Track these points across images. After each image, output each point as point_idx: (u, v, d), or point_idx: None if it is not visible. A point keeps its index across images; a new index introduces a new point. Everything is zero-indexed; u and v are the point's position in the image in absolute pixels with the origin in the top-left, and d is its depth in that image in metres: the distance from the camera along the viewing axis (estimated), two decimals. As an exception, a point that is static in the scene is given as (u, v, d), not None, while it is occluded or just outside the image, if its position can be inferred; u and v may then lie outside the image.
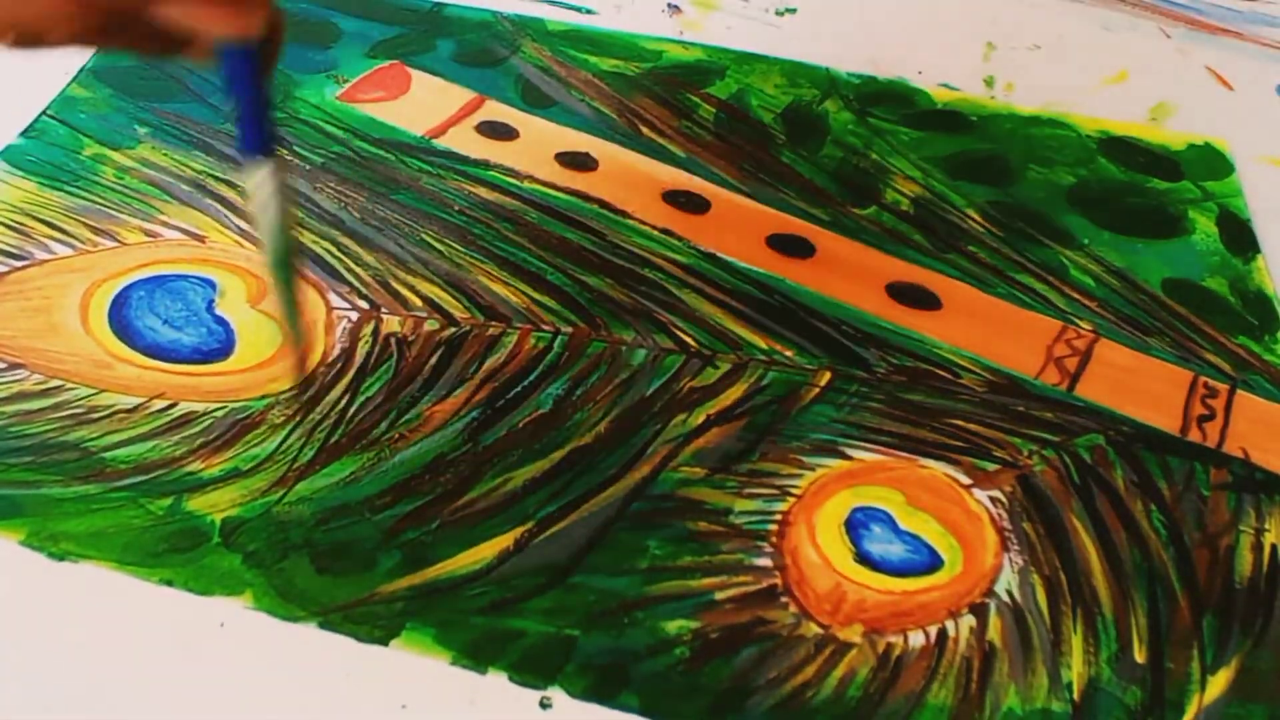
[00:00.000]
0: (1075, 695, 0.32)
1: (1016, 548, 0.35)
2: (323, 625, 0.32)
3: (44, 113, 0.47)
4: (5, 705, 0.31)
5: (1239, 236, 0.46)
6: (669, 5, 0.56)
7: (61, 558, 0.33)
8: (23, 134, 0.46)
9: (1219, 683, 0.33)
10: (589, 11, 0.55)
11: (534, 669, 0.32)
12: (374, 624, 0.32)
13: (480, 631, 0.32)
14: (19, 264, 0.41)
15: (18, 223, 0.42)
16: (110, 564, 0.33)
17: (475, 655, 0.32)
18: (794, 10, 0.56)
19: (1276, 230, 0.46)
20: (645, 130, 0.49)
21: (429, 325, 0.40)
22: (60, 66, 0.49)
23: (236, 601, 0.32)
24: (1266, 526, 0.36)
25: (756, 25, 0.55)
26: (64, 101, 0.47)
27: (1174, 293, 0.44)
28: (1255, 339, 0.42)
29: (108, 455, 0.36)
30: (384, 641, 0.32)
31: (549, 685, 0.31)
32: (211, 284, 0.41)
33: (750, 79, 0.52)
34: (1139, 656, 0.33)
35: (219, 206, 0.43)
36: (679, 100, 0.50)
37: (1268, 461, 0.38)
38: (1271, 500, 0.37)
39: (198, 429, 0.37)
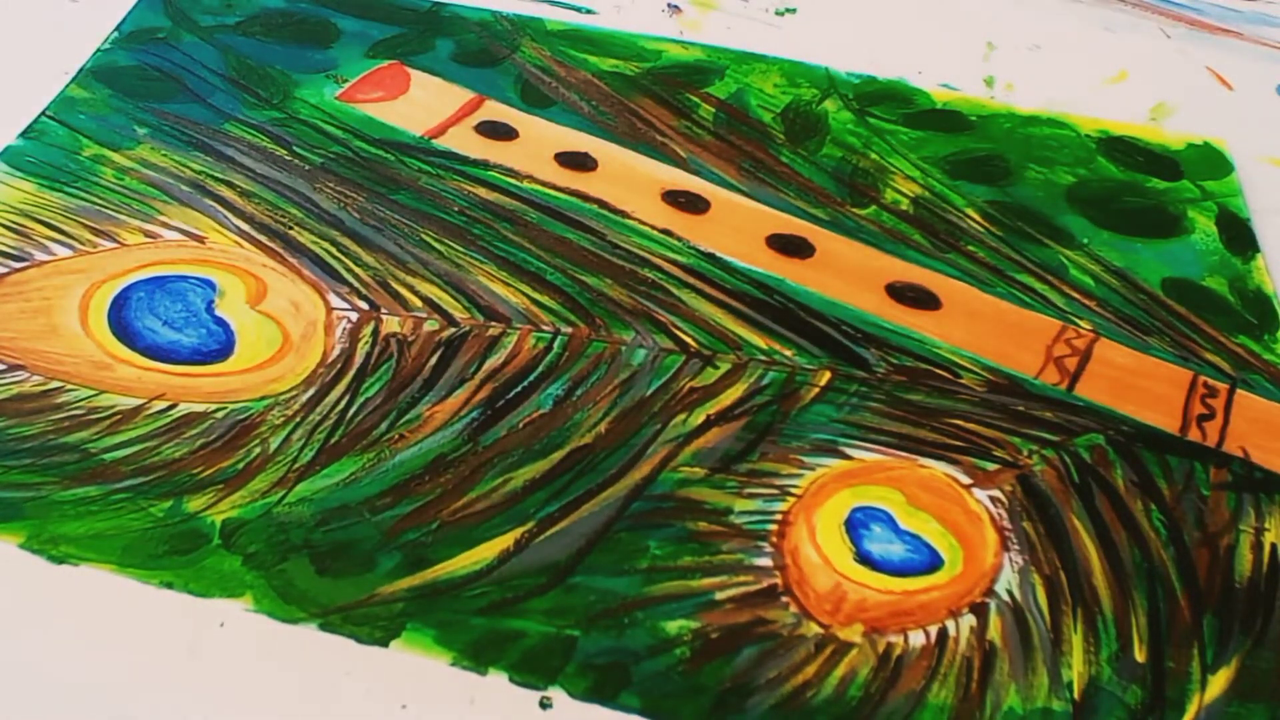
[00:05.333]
0: (1076, 694, 0.32)
1: (1016, 547, 0.35)
2: (323, 627, 0.32)
3: (43, 113, 0.47)
4: (6, 708, 0.30)
5: (1238, 236, 0.46)
6: (669, 5, 0.56)
7: (62, 560, 0.33)
8: (22, 135, 0.46)
9: (1219, 682, 0.33)
10: (589, 11, 0.55)
11: (534, 669, 0.32)
12: (374, 625, 0.32)
13: (480, 632, 0.32)
14: (18, 265, 0.41)
15: (17, 224, 0.42)
16: (111, 566, 0.33)
17: (475, 656, 0.32)
18: (794, 10, 0.56)
19: (1276, 230, 0.46)
20: (645, 130, 0.49)
21: (429, 325, 0.40)
22: (60, 66, 0.49)
23: (237, 603, 0.32)
24: (1266, 526, 0.36)
25: (756, 25, 0.55)
26: (63, 102, 0.47)
27: (1173, 292, 0.44)
28: (1255, 338, 0.42)
29: (108, 457, 0.36)
30: (384, 642, 0.32)
31: (549, 685, 0.31)
32: (211, 285, 0.41)
33: (750, 79, 0.52)
34: (1139, 656, 0.33)
35: (218, 207, 0.43)
36: (679, 100, 0.50)
37: (1267, 461, 0.38)
38: (1271, 500, 0.37)
39: (198, 430, 0.37)
